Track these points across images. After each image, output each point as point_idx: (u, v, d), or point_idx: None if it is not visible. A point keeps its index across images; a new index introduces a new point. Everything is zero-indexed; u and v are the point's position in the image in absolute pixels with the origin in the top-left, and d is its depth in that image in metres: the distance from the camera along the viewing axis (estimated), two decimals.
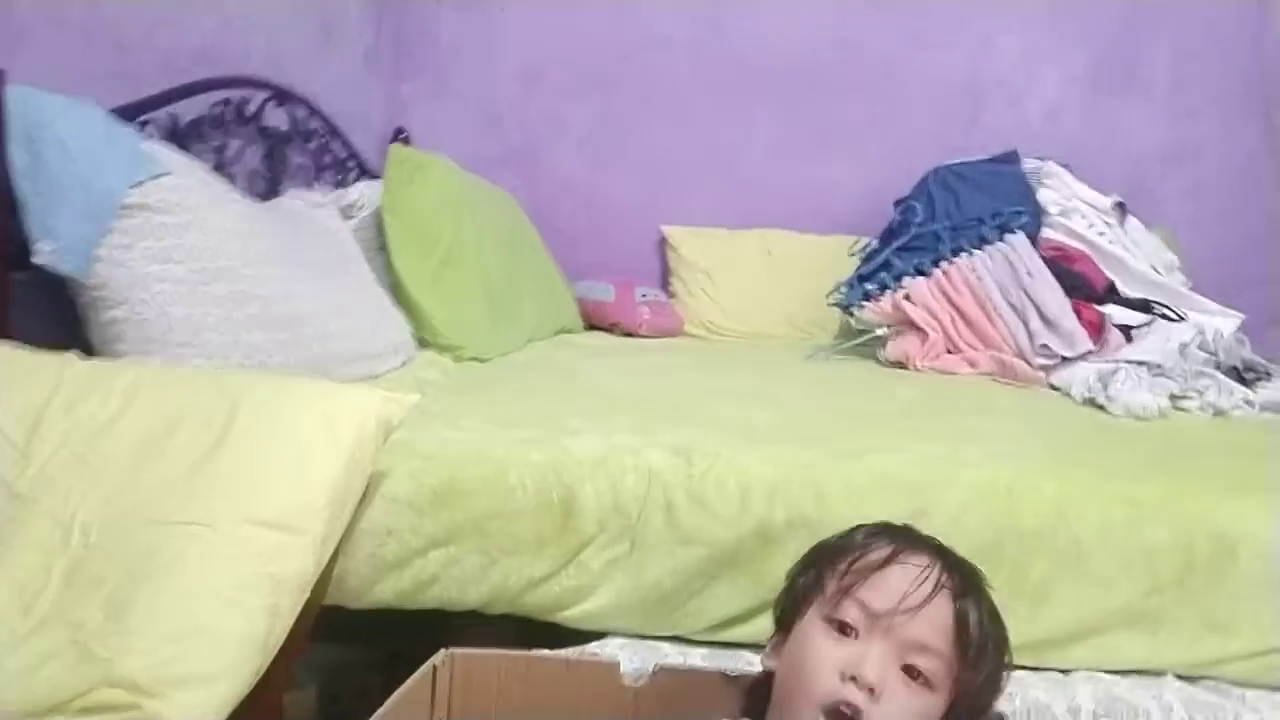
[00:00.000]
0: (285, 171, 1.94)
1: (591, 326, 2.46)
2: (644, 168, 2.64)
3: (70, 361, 0.95)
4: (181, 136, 1.54)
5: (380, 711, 0.81)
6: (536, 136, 2.65)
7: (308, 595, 0.83)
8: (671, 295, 2.58)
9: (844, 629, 0.72)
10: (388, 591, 1.09)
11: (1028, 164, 2.22)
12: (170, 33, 1.57)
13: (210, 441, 0.86)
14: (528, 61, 2.64)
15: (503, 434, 1.18)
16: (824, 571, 0.76)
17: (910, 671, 0.70)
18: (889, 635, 0.70)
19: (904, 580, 0.72)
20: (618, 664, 0.95)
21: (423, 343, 1.80)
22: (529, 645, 1.06)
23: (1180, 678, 1.02)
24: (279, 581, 0.78)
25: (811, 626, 0.74)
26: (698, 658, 1.06)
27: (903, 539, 0.77)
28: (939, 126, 2.57)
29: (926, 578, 0.72)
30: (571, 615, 1.09)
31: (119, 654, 0.67)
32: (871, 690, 0.68)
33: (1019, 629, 1.00)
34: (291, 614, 0.79)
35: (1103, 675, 1.02)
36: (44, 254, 1.13)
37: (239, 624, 0.74)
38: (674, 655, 1.07)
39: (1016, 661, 1.01)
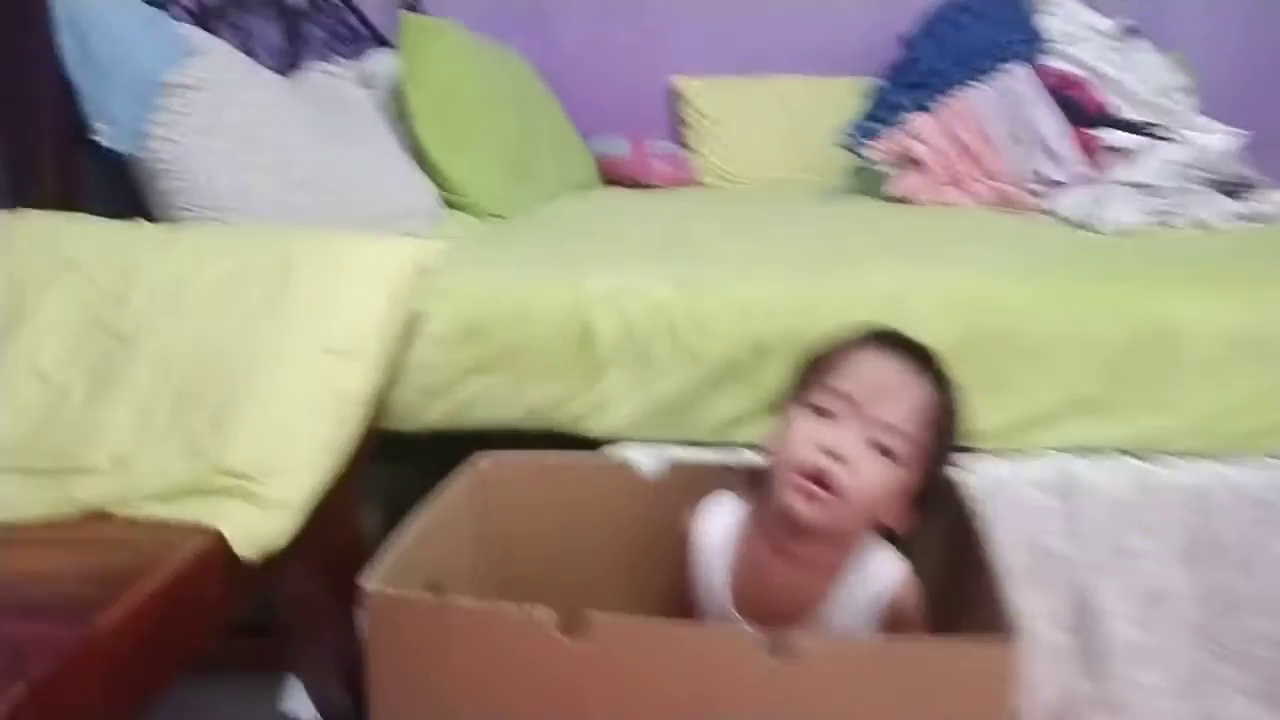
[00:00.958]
0: (305, 45, 2.02)
1: (609, 181, 2.55)
2: (650, 18, 2.66)
3: (141, 226, 1.09)
4: (207, 17, 1.63)
5: (427, 503, 0.98)
6: None
7: (367, 409, 0.98)
8: (685, 146, 2.65)
9: (822, 413, 0.84)
10: (435, 414, 1.25)
11: None
12: None
13: (274, 285, 1.00)
14: None
15: (524, 275, 1.32)
16: (809, 368, 0.89)
17: (880, 448, 0.83)
18: (862, 416, 0.82)
19: (876, 368, 0.84)
20: (637, 463, 1.11)
21: (449, 204, 1.92)
22: None
23: (1126, 453, 1.17)
24: (342, 396, 0.94)
25: (794, 412, 0.88)
26: (707, 456, 1.22)
27: (879, 334, 0.89)
28: None
29: (898, 366, 0.84)
30: (595, 427, 1.25)
31: (225, 452, 0.83)
32: (840, 459, 0.81)
33: (985, 418, 1.16)
34: (355, 424, 0.95)
35: (1059, 454, 1.17)
36: (102, 133, 1.26)
37: (314, 429, 0.90)
38: (691, 456, 1.23)
39: (988, 446, 1.18)
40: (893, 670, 0.73)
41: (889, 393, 0.84)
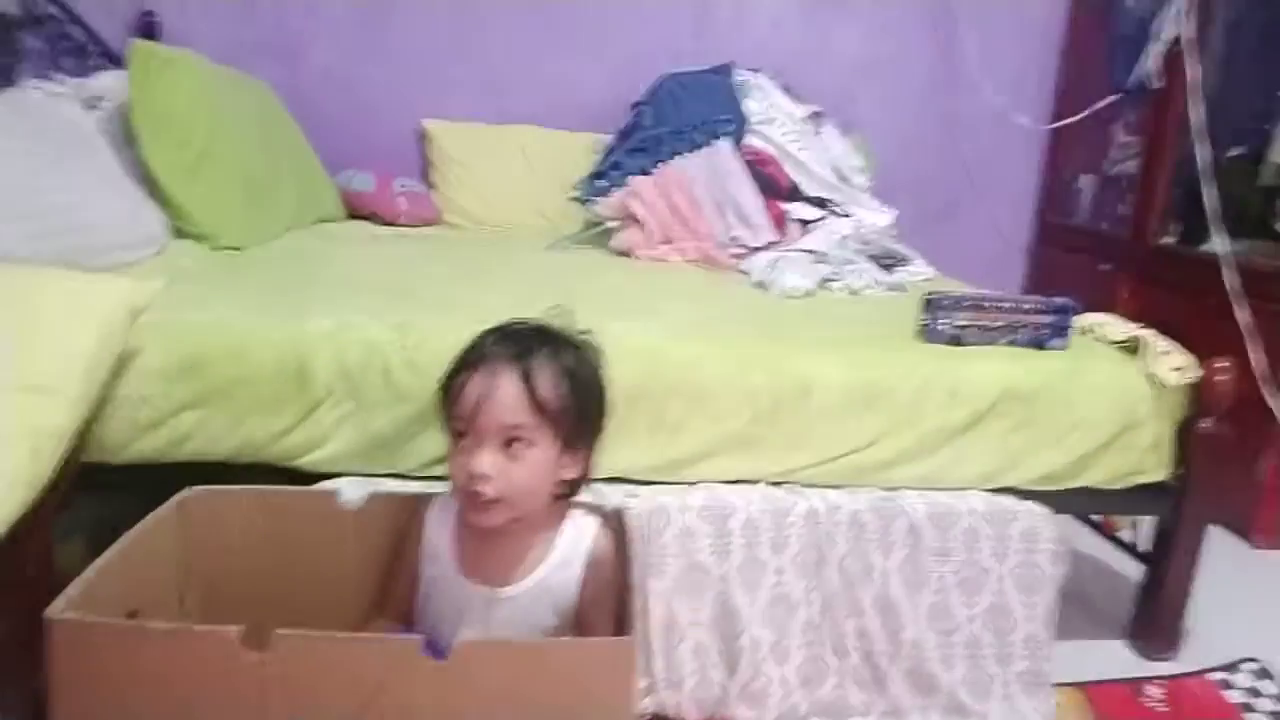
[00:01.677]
0: (20, 58, 1.95)
1: (354, 215, 2.61)
2: (403, 61, 2.75)
3: None
4: None
5: (130, 534, 1.03)
6: (292, 25, 2.69)
7: (66, 444, 1.02)
8: (431, 186, 2.76)
9: (460, 435, 1.01)
10: (146, 448, 1.28)
11: (740, 75, 2.54)
12: None
13: None
14: None
15: (246, 313, 1.38)
16: (445, 396, 1.03)
17: (509, 443, 0.99)
18: (483, 429, 0.99)
19: (475, 387, 0.99)
20: (339, 492, 1.21)
21: (179, 232, 1.91)
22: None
23: (770, 484, 1.41)
24: (38, 431, 0.98)
25: (451, 441, 1.03)
26: (411, 487, 1.34)
27: (483, 351, 1.02)
28: (676, 33, 2.84)
29: (489, 372, 0.99)
30: (309, 461, 1.33)
31: None
32: (484, 477, 0.98)
33: (657, 454, 1.36)
34: (52, 457, 0.99)
35: (715, 485, 1.39)
36: None
37: (6, 463, 0.94)
38: (394, 486, 1.34)
39: (655, 478, 1.38)
40: (535, 666, 0.89)
41: (491, 401, 0.98)
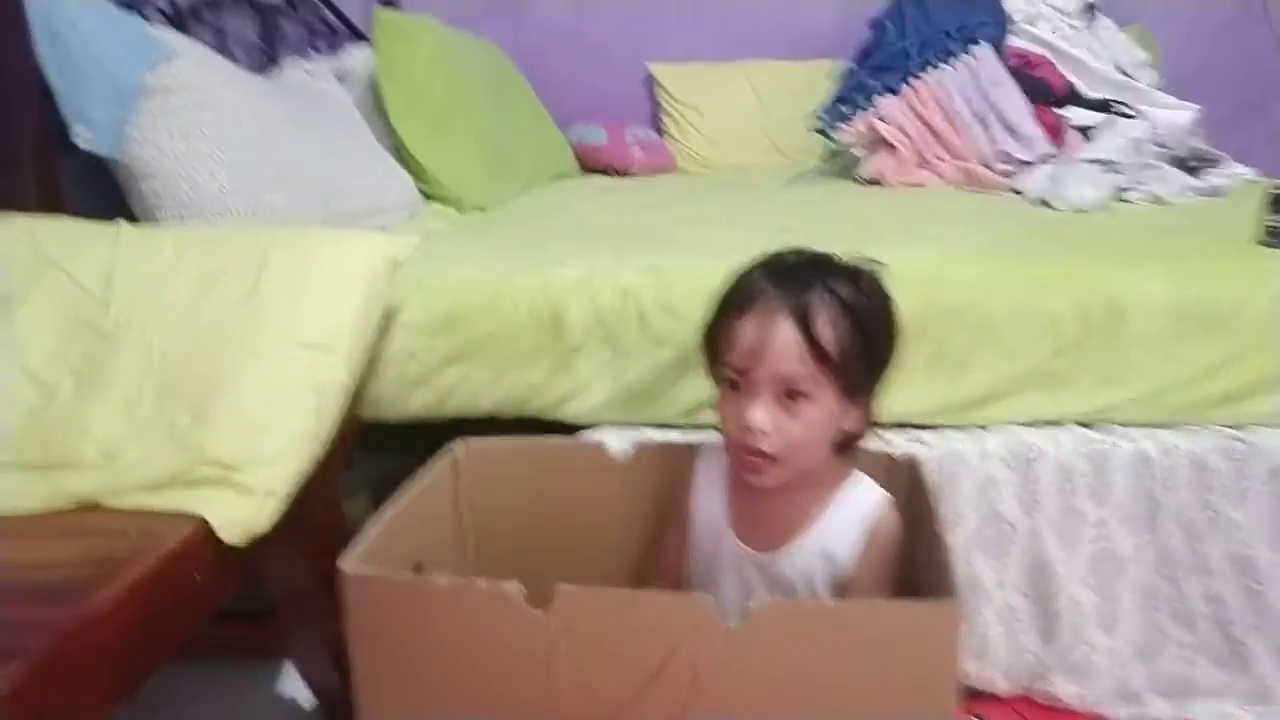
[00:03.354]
0: (282, 42, 2.05)
1: (587, 169, 2.59)
2: (624, 5, 2.69)
3: (122, 228, 1.12)
4: (182, 19, 1.65)
5: (406, 491, 1.02)
6: None
7: (345, 400, 1.02)
8: (663, 133, 2.68)
9: (733, 385, 0.89)
10: (417, 404, 1.29)
11: None
12: None
13: (250, 283, 1.04)
14: None
15: (499, 265, 1.36)
16: (710, 340, 0.92)
17: (791, 394, 0.86)
18: (760, 379, 0.86)
19: (748, 331, 0.86)
20: (605, 445, 1.16)
21: (429, 197, 1.96)
22: None
23: (1080, 424, 1.21)
24: (320, 388, 0.98)
25: (719, 389, 0.92)
26: (676, 437, 1.26)
27: (752, 291, 0.89)
28: None
29: (764, 314, 0.86)
30: (569, 412, 1.29)
31: (208, 443, 0.88)
32: (761, 431, 0.86)
33: (942, 394, 1.21)
34: (334, 414, 0.99)
35: (1014, 428, 1.21)
36: (81, 137, 1.29)
37: (293, 419, 0.94)
38: (657, 438, 1.27)
39: (941, 422, 1.22)
40: (842, 632, 0.78)
41: (766, 350, 0.85)
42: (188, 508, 0.83)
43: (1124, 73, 2.09)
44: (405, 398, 1.28)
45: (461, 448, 1.14)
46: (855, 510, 0.95)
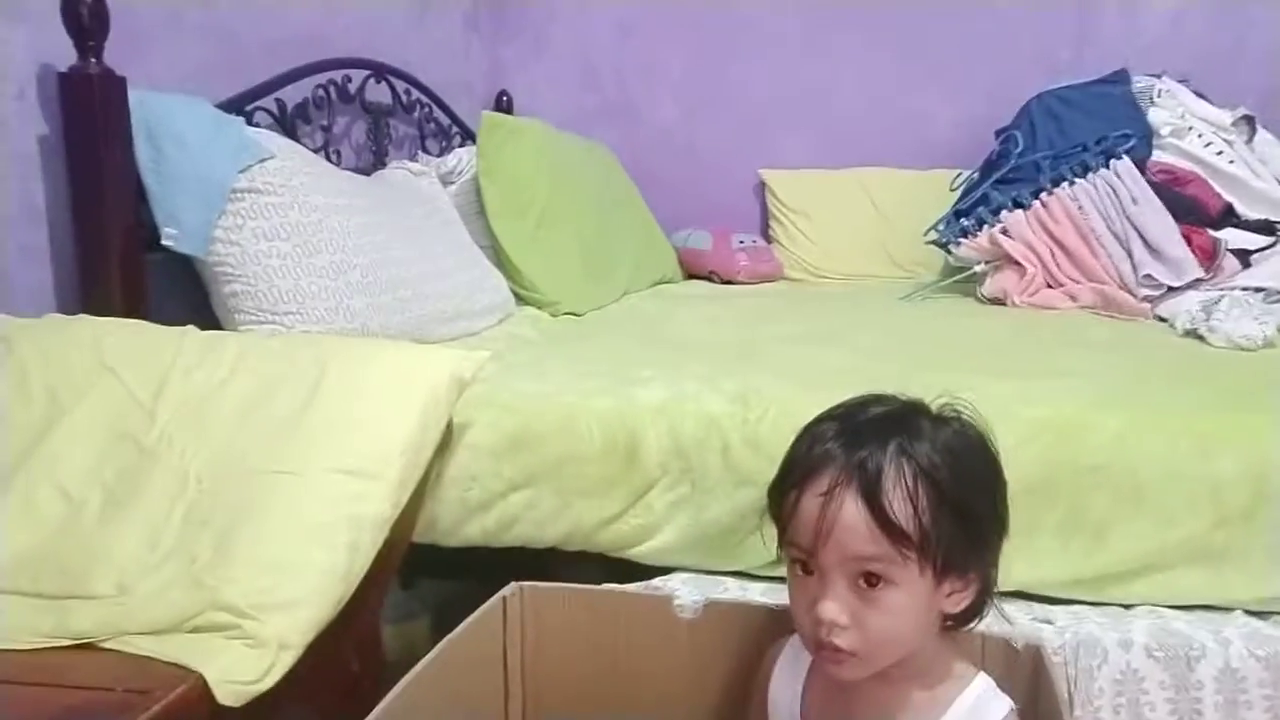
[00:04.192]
0: (391, 142, 2.07)
1: (691, 275, 2.50)
2: (739, 112, 2.64)
3: (188, 333, 1.09)
4: (290, 120, 1.67)
5: (451, 636, 0.91)
6: (632, 88, 2.70)
7: (386, 533, 0.93)
8: (771, 240, 2.59)
9: (804, 567, 0.74)
10: (475, 531, 1.19)
11: (1139, 82, 2.09)
12: (275, 24, 1.70)
13: (302, 400, 0.97)
14: (621, 13, 2.67)
15: (576, 384, 1.26)
16: (775, 510, 0.77)
17: (869, 579, 0.71)
18: (830, 562, 0.72)
19: (808, 507, 0.72)
20: (671, 598, 1.02)
21: (521, 300, 1.91)
22: (622, 579, 1.16)
23: (1250, 613, 1.01)
24: (358, 521, 0.89)
25: (789, 568, 0.77)
26: (757, 592, 1.12)
27: (812, 458, 0.74)
28: (1045, 45, 2.45)
29: (825, 489, 0.71)
30: (640, 552, 1.17)
31: (223, 583, 0.79)
32: (838, 625, 0.71)
33: (1076, 564, 1.03)
34: (371, 549, 0.90)
35: (1164, 610, 1.02)
36: (169, 237, 1.28)
37: (323, 558, 0.85)
38: (735, 590, 1.13)
39: (1076, 596, 1.04)
40: None
41: (833, 527, 0.71)
42: (187, 660, 0.74)
43: None
44: (463, 523, 1.18)
45: (514, 592, 1.02)
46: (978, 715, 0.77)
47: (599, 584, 1.07)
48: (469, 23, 2.54)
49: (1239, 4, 2.39)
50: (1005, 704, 0.78)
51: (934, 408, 0.78)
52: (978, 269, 2.00)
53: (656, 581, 1.13)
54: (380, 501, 0.92)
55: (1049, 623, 0.99)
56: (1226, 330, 1.45)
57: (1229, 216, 1.83)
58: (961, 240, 2.02)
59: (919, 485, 0.72)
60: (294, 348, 1.09)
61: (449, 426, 1.12)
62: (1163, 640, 0.96)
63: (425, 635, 1.50)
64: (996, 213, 1.99)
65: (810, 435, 0.78)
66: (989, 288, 1.96)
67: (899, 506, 0.71)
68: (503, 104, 2.61)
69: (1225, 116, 2.00)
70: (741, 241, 2.47)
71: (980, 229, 2.00)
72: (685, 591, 1.03)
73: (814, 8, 2.58)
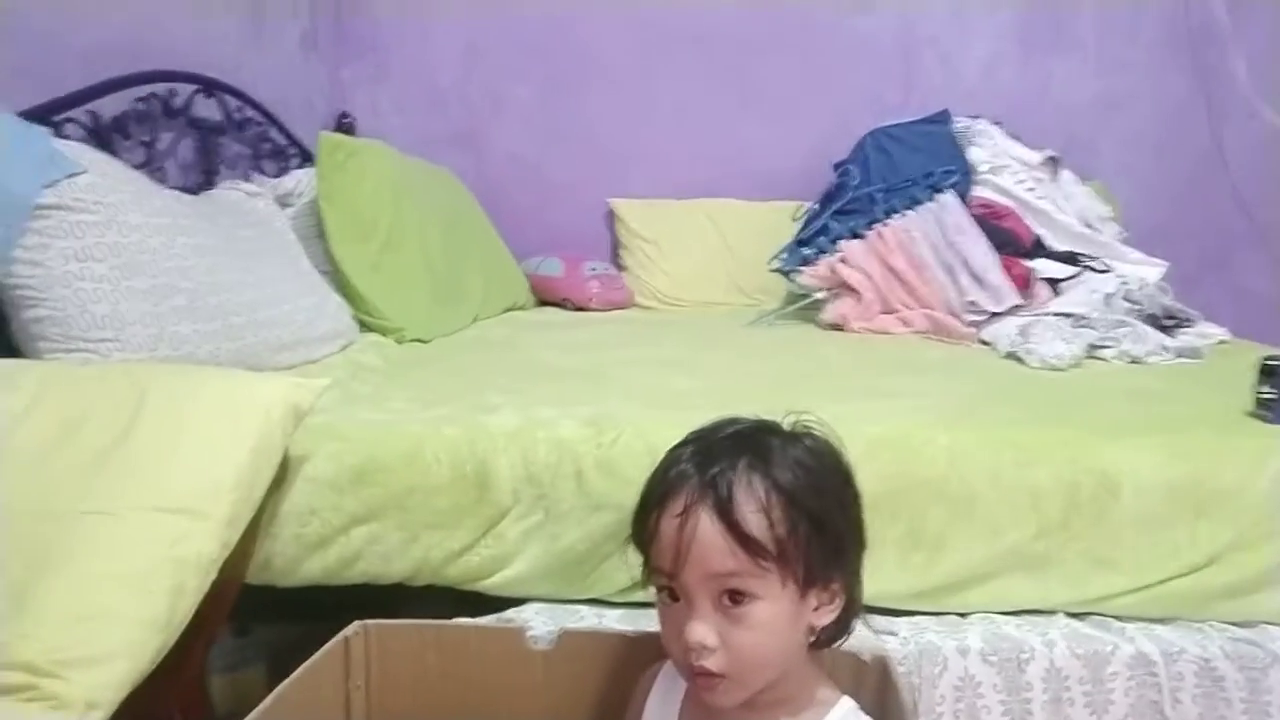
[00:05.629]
0: (222, 161, 1.96)
1: (544, 302, 2.49)
2: (588, 141, 2.66)
3: None
4: (105, 133, 1.55)
5: (287, 682, 0.85)
6: (480, 115, 2.67)
7: (214, 575, 0.86)
8: (622, 268, 2.61)
9: (671, 593, 0.74)
10: (315, 569, 1.13)
11: (959, 123, 2.25)
12: (92, 30, 1.58)
13: (117, 432, 0.89)
14: (468, 39, 2.64)
15: (422, 412, 1.22)
16: (639, 539, 0.77)
17: (733, 597, 0.71)
18: (693, 584, 0.71)
19: (667, 529, 0.72)
20: (524, 630, 0.99)
21: (365, 327, 1.83)
22: (474, 613, 1.11)
23: (1070, 615, 1.07)
24: (181, 563, 0.82)
25: (656, 596, 0.76)
26: (613, 619, 1.10)
27: (668, 480, 0.75)
28: (875, 87, 2.60)
29: (681, 510, 0.72)
30: (492, 583, 1.13)
31: (15, 639, 0.71)
32: (707, 648, 0.71)
33: (914, 577, 1.07)
34: (196, 594, 0.83)
35: (996, 617, 1.07)
36: None
37: (139, 606, 0.78)
38: (590, 618, 1.11)
39: (916, 608, 1.08)
40: None
41: (691, 546, 0.71)
42: None
43: (1090, 226, 2.05)
44: (301, 561, 1.11)
45: (357, 631, 0.97)
46: None
47: (449, 619, 1.03)
48: (307, 40, 2.44)
49: (1041, 58, 2.62)
50: None
51: (786, 426, 0.79)
52: (818, 296, 2.07)
53: (509, 613, 1.10)
54: (206, 541, 0.85)
55: (893, 634, 1.02)
56: (1041, 352, 1.56)
57: (1039, 248, 1.98)
58: (803, 268, 2.09)
59: (771, 498, 0.72)
60: (107, 376, 1.00)
61: (285, 459, 1.06)
62: (996, 645, 1.01)
63: (260, 683, 1.40)
64: (835, 242, 2.08)
65: (667, 460, 0.78)
66: (829, 314, 2.03)
67: (752, 519, 0.71)
68: (344, 126, 2.53)
69: (1034, 157, 2.17)
70: (593, 269, 2.48)
71: (820, 258, 2.08)
72: (539, 622, 1.01)
73: (659, 42, 2.64)
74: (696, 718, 0.82)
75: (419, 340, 1.85)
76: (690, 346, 1.81)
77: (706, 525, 0.71)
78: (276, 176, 2.03)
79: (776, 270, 2.18)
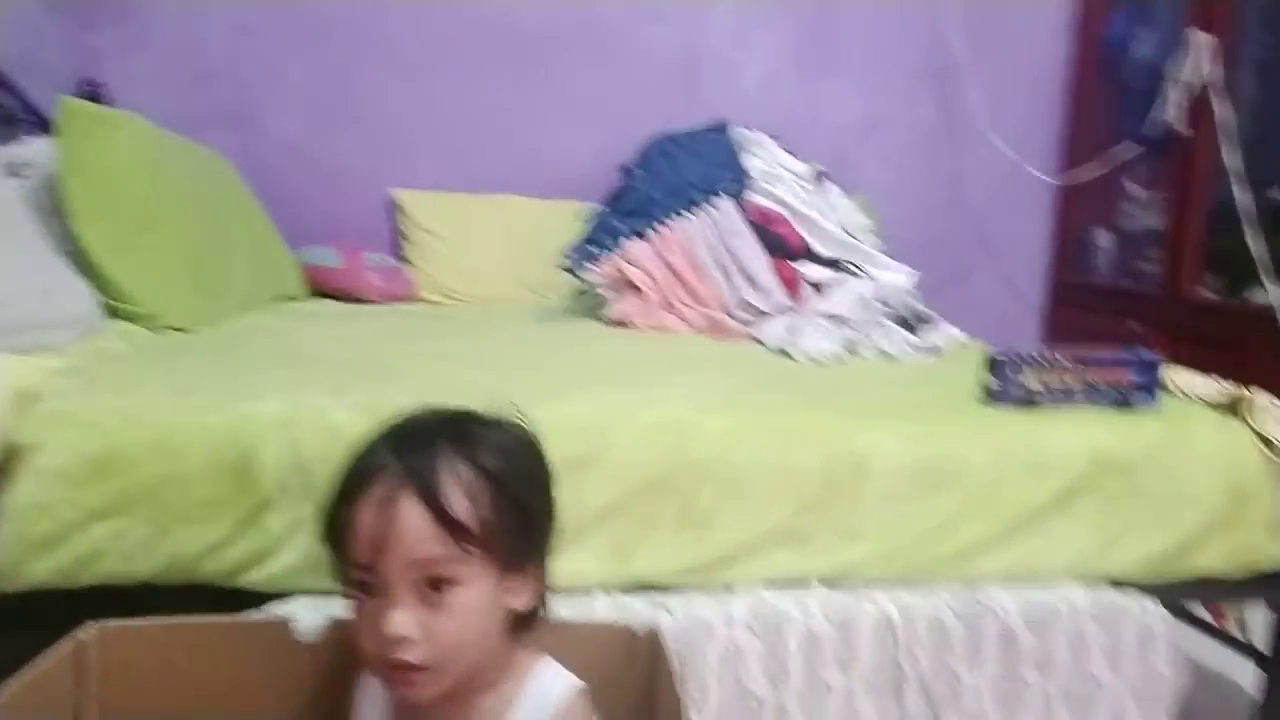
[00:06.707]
0: None
1: (319, 293, 2.37)
2: (369, 129, 2.58)
3: None
4: None
5: None
6: (252, 94, 2.51)
7: None
8: (404, 260, 2.54)
9: (365, 588, 0.72)
10: (44, 570, 1.01)
11: (738, 133, 2.37)
12: None
13: None
14: (238, 13, 2.48)
15: (176, 399, 1.13)
16: (331, 535, 0.75)
17: (434, 584, 0.71)
18: (393, 574, 0.71)
19: (365, 518, 0.71)
20: (287, 622, 0.94)
21: (114, 313, 1.67)
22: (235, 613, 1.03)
23: (823, 584, 1.15)
24: None
25: (349, 595, 0.75)
26: None
27: (366, 468, 0.74)
28: (661, 95, 2.69)
29: (382, 497, 0.71)
30: (254, 578, 1.06)
31: None
32: (407, 640, 0.70)
33: (689, 554, 1.11)
34: None
35: (760, 589, 1.13)
36: None
37: None
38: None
39: (687, 583, 1.12)
40: None
41: (390, 536, 0.70)
42: None
43: (851, 235, 2.22)
44: (25, 563, 1.00)
45: (92, 633, 0.88)
46: (541, 707, 0.78)
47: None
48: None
49: (814, 79, 2.82)
50: (569, 684, 0.80)
51: (483, 415, 0.80)
52: (603, 294, 2.11)
53: (273, 606, 1.04)
54: None
55: (666, 610, 1.06)
56: (806, 348, 1.67)
57: (807, 253, 2.11)
58: (589, 266, 2.12)
59: (475, 480, 0.73)
60: None
61: (6, 450, 0.95)
62: (759, 614, 1.07)
63: None
64: (620, 241, 2.12)
65: (361, 451, 0.77)
66: (613, 311, 2.07)
67: (458, 503, 0.72)
68: (89, 93, 2.29)
69: (804, 169, 2.33)
70: (373, 260, 2.39)
71: (605, 256, 2.12)
72: (305, 615, 0.96)
73: (450, 33, 2.60)
74: (404, 714, 0.81)
75: (177, 328, 1.71)
76: (475, 340, 1.79)
77: (410, 511, 0.71)
78: (5, 144, 1.81)
79: (563, 268, 2.20)
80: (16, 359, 0.94)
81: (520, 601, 0.78)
